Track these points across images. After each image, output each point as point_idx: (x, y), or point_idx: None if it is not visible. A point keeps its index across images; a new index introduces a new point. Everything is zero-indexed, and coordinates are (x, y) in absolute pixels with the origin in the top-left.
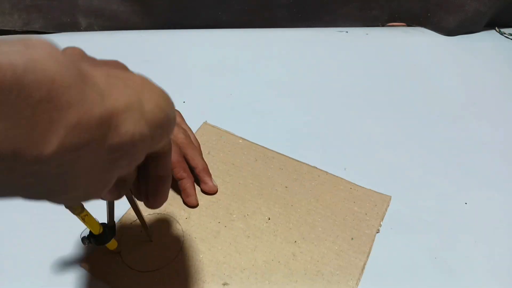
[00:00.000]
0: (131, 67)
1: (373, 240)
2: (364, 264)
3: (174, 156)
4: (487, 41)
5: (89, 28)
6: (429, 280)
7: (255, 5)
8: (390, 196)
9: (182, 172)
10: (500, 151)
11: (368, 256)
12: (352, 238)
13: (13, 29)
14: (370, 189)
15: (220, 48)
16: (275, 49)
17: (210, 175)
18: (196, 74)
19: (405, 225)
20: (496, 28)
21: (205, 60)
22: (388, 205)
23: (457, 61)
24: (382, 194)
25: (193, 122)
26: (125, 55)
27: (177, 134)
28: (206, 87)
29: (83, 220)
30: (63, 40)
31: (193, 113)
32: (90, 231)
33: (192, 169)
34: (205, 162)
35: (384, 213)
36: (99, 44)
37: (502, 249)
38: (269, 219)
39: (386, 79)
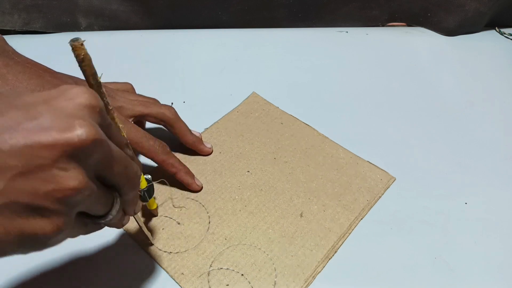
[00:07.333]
0: (131, 67)
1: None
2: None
3: (160, 156)
4: (487, 41)
5: (89, 28)
6: (429, 280)
7: (255, 5)
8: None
9: (172, 168)
10: (500, 151)
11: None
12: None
13: (13, 29)
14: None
15: (220, 48)
16: (275, 49)
17: (202, 143)
18: (196, 74)
19: (405, 225)
20: (496, 28)
21: (205, 60)
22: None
23: (457, 61)
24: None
25: (193, 122)
26: (125, 55)
27: (164, 111)
28: (206, 87)
29: None
30: (63, 40)
31: (193, 113)
32: None
33: (184, 144)
34: (193, 135)
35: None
36: (99, 44)
37: (502, 249)
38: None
39: (386, 79)
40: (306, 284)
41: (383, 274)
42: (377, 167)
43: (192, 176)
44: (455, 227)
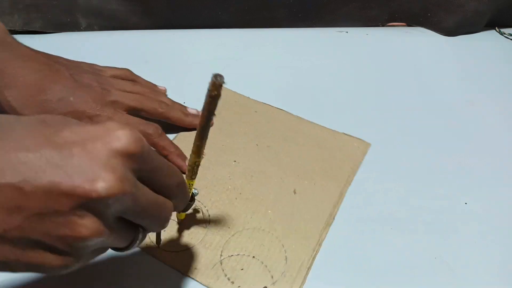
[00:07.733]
0: (131, 67)
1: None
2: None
3: (151, 139)
4: (487, 41)
5: (89, 28)
6: (429, 280)
7: (255, 5)
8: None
9: (163, 151)
10: (500, 151)
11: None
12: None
13: (13, 29)
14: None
15: (220, 48)
16: (275, 49)
17: (184, 158)
18: (196, 74)
19: (404, 225)
20: (496, 28)
21: (205, 60)
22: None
23: (457, 61)
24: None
25: None
26: (125, 55)
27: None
28: (206, 87)
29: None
30: (63, 40)
31: None
32: None
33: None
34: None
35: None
36: (99, 44)
37: (502, 249)
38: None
39: (386, 79)
40: (314, 252)
41: (383, 274)
42: (353, 136)
43: (184, 158)
44: (455, 227)
